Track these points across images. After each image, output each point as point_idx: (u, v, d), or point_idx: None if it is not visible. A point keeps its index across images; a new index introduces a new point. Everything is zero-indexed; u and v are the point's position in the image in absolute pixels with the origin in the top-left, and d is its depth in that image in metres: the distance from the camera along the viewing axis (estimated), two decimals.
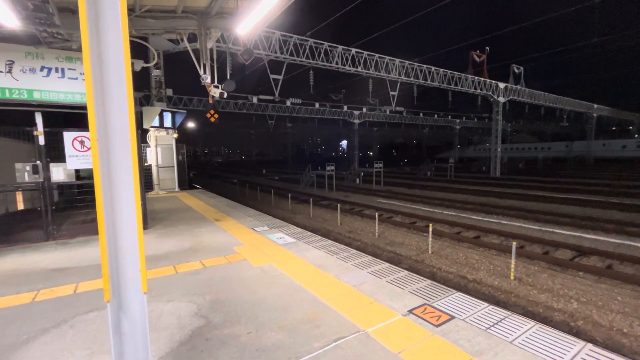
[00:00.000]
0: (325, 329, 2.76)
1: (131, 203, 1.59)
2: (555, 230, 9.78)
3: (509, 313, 2.98)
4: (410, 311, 3.04)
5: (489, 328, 2.73)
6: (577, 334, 5.00)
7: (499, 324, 2.80)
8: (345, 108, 36.28)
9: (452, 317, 2.90)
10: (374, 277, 3.91)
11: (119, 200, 1.57)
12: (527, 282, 6.57)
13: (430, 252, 8.34)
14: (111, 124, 1.64)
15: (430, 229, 8.50)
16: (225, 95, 6.89)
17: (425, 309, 3.06)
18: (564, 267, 7.18)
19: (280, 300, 3.33)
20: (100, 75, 1.63)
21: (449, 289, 3.54)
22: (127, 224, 1.57)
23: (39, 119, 5.77)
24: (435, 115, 44.91)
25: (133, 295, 1.61)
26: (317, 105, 33.48)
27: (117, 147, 1.64)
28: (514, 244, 6.71)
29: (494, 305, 3.14)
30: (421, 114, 42.72)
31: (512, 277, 6.68)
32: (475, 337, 2.60)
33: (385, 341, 2.58)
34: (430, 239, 8.41)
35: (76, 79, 6.20)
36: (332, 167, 20.18)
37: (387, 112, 38.29)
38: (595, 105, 37.00)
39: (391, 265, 4.38)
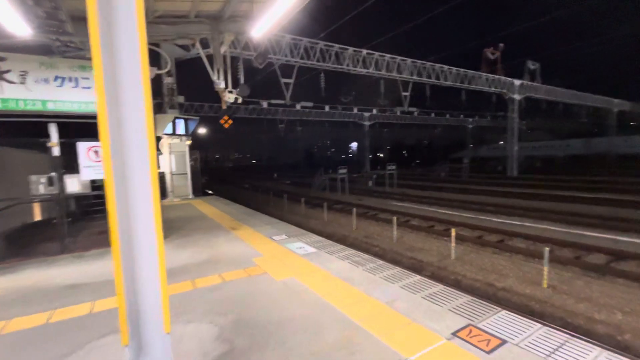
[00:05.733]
0: (361, 356, 2.49)
1: (153, 243, 1.37)
2: (585, 233, 9.27)
3: (568, 337, 2.65)
4: (454, 334, 2.73)
5: (549, 356, 2.41)
6: (626, 349, 4.60)
7: (560, 350, 2.48)
8: (355, 110, 35.95)
9: (504, 342, 2.58)
10: (407, 292, 3.61)
11: (137, 242, 1.36)
12: (561, 290, 6.16)
13: (453, 257, 7.97)
14: (127, 133, 1.43)
15: (453, 233, 8.13)
16: (240, 100, 6.72)
17: (471, 330, 2.75)
18: (601, 273, 6.73)
19: (309, 321, 3.07)
20: (113, 82, 1.42)
21: (492, 306, 3.22)
22: (149, 271, 1.35)
23: (53, 129, 5.69)
24: (448, 115, 44.10)
25: (155, 337, 1.38)
26: (327, 108, 33.24)
27: (135, 158, 1.43)
28: (547, 249, 6.29)
29: (549, 327, 2.81)
30: (433, 114, 42.01)
31: (545, 285, 6.27)
32: None
33: None
34: (453, 244, 8.04)
35: (90, 88, 6.10)
36: (345, 170, 19.88)
37: (398, 113, 37.81)
38: (616, 100, 35.72)
39: (424, 278, 4.07)
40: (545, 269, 6.27)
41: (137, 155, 1.45)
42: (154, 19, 5.99)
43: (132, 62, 1.45)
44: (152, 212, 1.43)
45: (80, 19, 5.34)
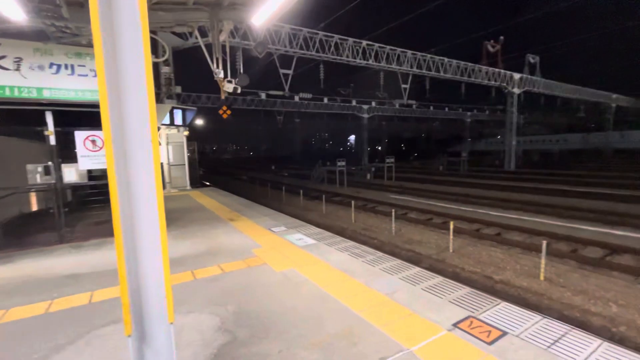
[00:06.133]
0: (363, 346, 2.49)
1: (155, 232, 1.33)
2: (581, 227, 9.32)
3: (568, 328, 2.67)
4: (455, 325, 2.75)
5: (549, 347, 2.43)
6: (621, 341, 4.66)
7: (560, 341, 2.49)
8: (354, 102, 35.74)
9: (505, 333, 2.60)
10: (407, 284, 3.62)
11: (140, 232, 1.33)
12: (558, 283, 6.21)
13: (451, 250, 8.01)
14: (129, 122, 1.39)
15: (452, 227, 8.15)
16: (239, 90, 6.62)
17: (472, 322, 2.76)
18: (596, 267, 6.78)
19: (309, 312, 3.07)
20: (115, 71, 1.37)
21: (493, 298, 3.24)
22: (152, 261, 1.32)
23: (49, 118, 5.59)
24: (446, 108, 43.93)
25: (158, 327, 1.36)
26: (325, 99, 33.01)
27: (136, 149, 1.39)
28: (544, 242, 6.32)
29: (548, 318, 2.83)
30: (431, 107, 41.83)
31: (542, 278, 6.32)
32: (537, 359, 2.30)
33: None
34: (451, 237, 8.07)
35: (86, 75, 5.97)
36: (343, 163, 19.84)
37: (397, 106, 37.62)
38: (614, 95, 35.69)
39: (423, 269, 4.08)
40: (543, 262, 6.32)
41: (139, 144, 1.40)
42: (151, 6, 5.84)
43: (134, 47, 1.40)
44: (155, 201, 1.40)
45: (76, 4, 5.19)
